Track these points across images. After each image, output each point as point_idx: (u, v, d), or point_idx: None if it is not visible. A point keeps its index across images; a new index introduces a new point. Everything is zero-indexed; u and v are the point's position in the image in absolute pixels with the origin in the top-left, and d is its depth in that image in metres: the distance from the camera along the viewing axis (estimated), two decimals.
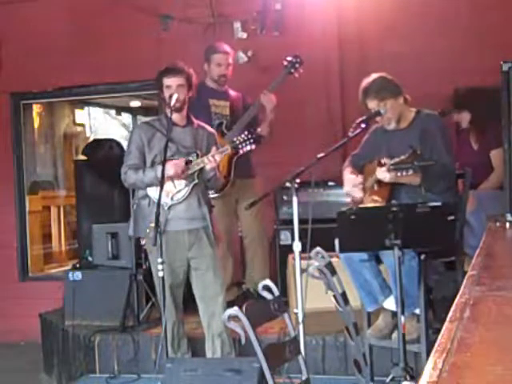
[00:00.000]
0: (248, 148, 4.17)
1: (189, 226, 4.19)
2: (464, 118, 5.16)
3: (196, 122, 4.35)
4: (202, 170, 4.13)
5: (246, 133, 4.22)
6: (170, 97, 4.13)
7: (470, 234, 4.40)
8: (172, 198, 4.12)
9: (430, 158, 3.65)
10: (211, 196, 4.83)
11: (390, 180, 3.78)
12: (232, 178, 5.05)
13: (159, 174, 4.01)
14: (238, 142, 4.16)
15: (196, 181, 4.16)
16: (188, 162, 4.13)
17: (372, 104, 3.89)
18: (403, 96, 3.93)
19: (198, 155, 4.15)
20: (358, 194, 3.95)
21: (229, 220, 5.20)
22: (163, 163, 3.98)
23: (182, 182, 4.16)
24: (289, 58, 5.11)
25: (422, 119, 3.95)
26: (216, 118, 5.15)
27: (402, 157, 3.60)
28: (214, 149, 4.13)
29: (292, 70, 5.10)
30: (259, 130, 4.95)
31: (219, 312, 4.16)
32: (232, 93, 5.34)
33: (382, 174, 3.78)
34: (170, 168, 4.04)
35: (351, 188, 4.00)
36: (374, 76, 3.93)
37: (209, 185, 4.29)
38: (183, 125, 4.27)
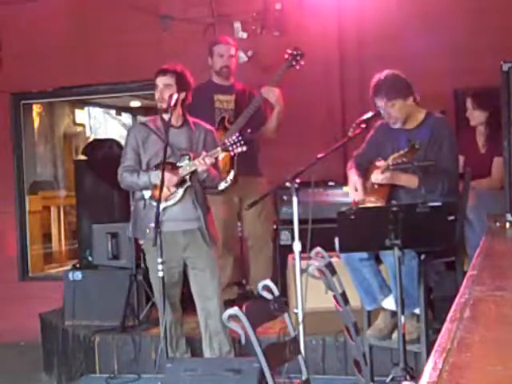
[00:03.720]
0: (239, 150, 4.14)
1: (184, 227, 4.19)
2: (476, 116, 5.01)
3: (192, 120, 4.31)
4: (194, 172, 4.12)
5: (236, 134, 4.20)
6: (170, 97, 4.13)
7: (470, 230, 4.40)
8: (166, 200, 4.12)
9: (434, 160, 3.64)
10: (215, 191, 4.81)
11: (382, 181, 3.78)
12: (233, 175, 4.99)
13: (152, 179, 4.07)
14: (228, 143, 4.15)
15: (188, 183, 4.15)
16: (179, 168, 4.12)
17: (380, 103, 3.85)
18: (413, 96, 3.89)
19: (190, 158, 4.14)
20: (357, 196, 3.93)
21: (228, 218, 5.15)
22: (162, 166, 3.98)
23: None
24: (289, 51, 5.01)
25: (433, 122, 3.92)
26: (219, 114, 5.11)
27: (402, 151, 3.61)
28: (203, 152, 4.12)
29: (293, 63, 5.00)
30: (249, 131, 4.93)
31: (216, 311, 4.18)
32: (238, 86, 5.27)
33: (375, 177, 3.78)
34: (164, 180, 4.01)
35: (351, 190, 3.99)
36: (385, 72, 3.87)
37: (205, 185, 4.28)
38: (178, 125, 4.25)
